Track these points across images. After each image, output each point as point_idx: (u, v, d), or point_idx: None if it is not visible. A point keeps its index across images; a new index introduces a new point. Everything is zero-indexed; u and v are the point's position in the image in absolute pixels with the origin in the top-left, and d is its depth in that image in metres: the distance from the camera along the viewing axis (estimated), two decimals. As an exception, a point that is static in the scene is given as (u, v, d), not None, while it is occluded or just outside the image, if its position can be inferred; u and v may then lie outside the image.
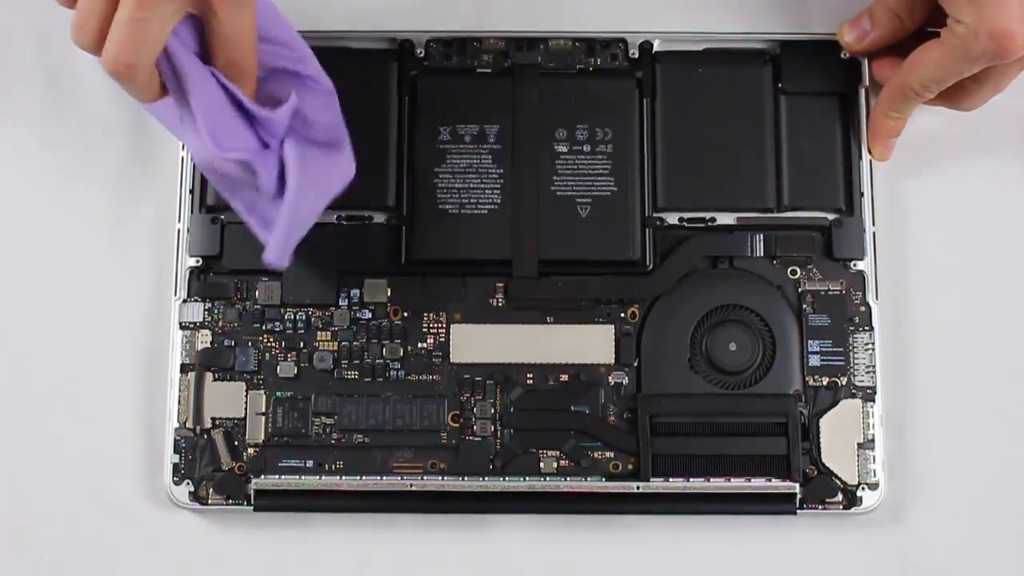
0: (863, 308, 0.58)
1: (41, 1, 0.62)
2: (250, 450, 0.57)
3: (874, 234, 0.58)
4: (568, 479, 0.56)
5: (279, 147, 0.50)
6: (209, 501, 0.56)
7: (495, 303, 0.58)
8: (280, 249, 0.50)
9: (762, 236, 0.58)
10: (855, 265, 0.58)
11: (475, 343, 0.57)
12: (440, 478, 0.56)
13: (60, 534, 0.57)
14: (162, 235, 0.59)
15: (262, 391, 0.57)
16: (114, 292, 0.59)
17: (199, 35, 0.47)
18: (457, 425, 0.57)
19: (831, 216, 0.58)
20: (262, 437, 0.57)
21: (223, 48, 0.47)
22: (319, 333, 0.58)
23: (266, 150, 0.49)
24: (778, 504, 0.56)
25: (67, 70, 0.61)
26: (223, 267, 0.58)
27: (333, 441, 0.57)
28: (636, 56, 0.60)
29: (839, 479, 0.56)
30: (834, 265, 0.58)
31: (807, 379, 0.57)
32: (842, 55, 0.59)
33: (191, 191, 0.58)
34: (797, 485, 0.56)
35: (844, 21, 0.58)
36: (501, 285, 0.58)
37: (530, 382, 0.57)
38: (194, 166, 0.58)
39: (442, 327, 0.58)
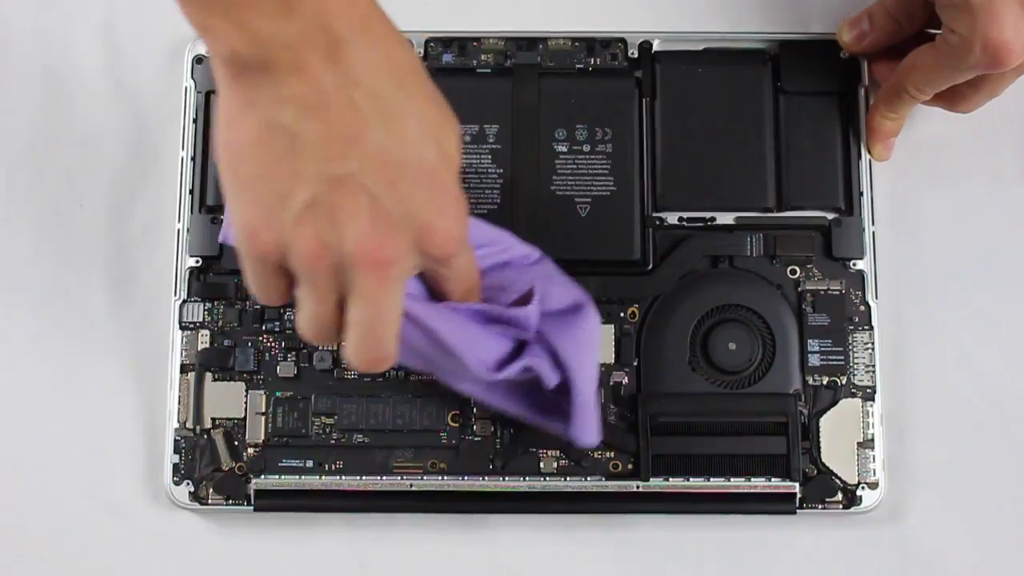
0: (863, 308, 0.58)
1: (41, 1, 0.62)
2: (250, 450, 0.57)
3: (874, 234, 0.58)
4: (568, 479, 0.56)
5: (537, 338, 0.49)
6: (209, 501, 0.56)
7: (495, 303, 0.58)
8: (589, 427, 0.50)
9: (762, 236, 0.58)
10: (855, 265, 0.58)
11: (475, 343, 0.57)
12: (440, 478, 0.56)
13: (60, 534, 0.57)
14: (162, 235, 0.59)
15: (262, 391, 0.57)
16: (114, 292, 0.59)
17: (421, 280, 0.47)
18: (457, 425, 0.57)
19: (831, 216, 0.58)
20: (262, 437, 0.57)
21: (458, 286, 0.47)
22: (319, 333, 0.58)
23: (532, 345, 0.49)
24: (778, 504, 0.56)
25: (67, 70, 0.61)
26: (223, 267, 0.58)
27: (333, 441, 0.57)
28: (636, 56, 0.60)
29: (839, 479, 0.56)
30: (834, 265, 0.58)
31: (807, 379, 0.57)
32: (841, 55, 0.59)
33: (191, 191, 0.59)
34: (797, 485, 0.56)
35: (843, 21, 0.58)
36: (501, 285, 0.58)
37: (530, 382, 0.57)
38: (195, 169, 0.58)
39: (442, 327, 0.58)
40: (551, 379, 0.49)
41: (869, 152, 0.58)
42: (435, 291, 0.47)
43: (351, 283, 0.42)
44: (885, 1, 0.57)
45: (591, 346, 0.50)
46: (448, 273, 0.46)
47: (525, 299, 0.49)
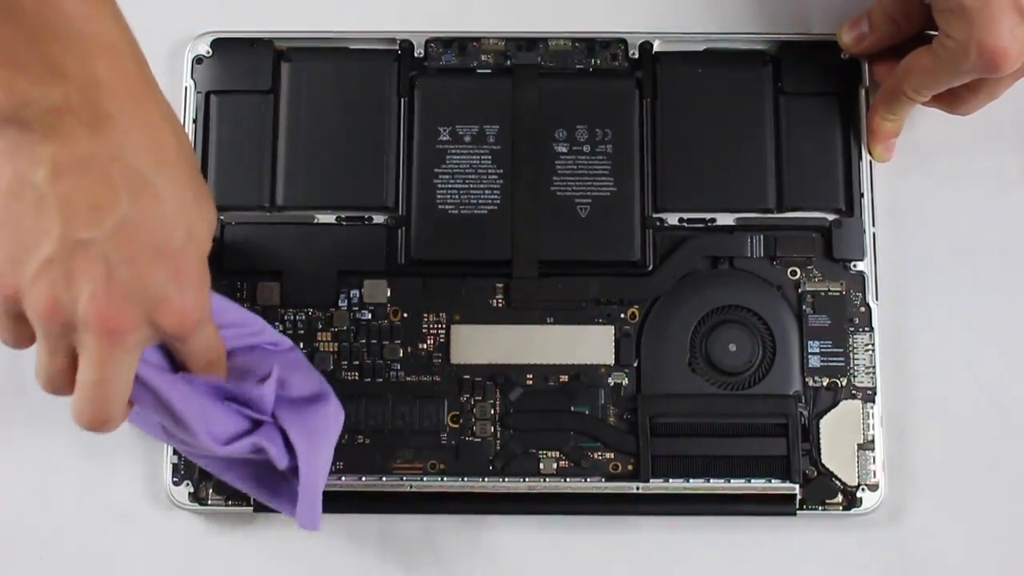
0: (863, 309, 0.58)
1: (41, 1, 0.62)
2: (250, 450, 0.57)
3: (874, 235, 0.58)
4: (568, 479, 0.56)
5: (271, 419, 0.50)
6: (209, 501, 0.56)
7: (495, 303, 0.58)
8: (312, 513, 0.51)
9: (762, 236, 0.58)
10: (855, 266, 0.58)
11: (475, 344, 0.57)
12: (440, 478, 0.56)
13: (60, 534, 0.57)
14: (162, 235, 0.59)
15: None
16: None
17: (162, 349, 0.47)
18: (457, 426, 0.57)
19: (831, 216, 0.58)
20: (262, 437, 0.57)
21: (196, 362, 0.48)
22: (319, 334, 0.58)
23: (265, 425, 0.50)
24: (778, 505, 0.56)
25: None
26: (223, 268, 0.58)
27: (333, 441, 0.57)
28: (636, 56, 0.60)
29: (839, 480, 0.56)
30: (834, 266, 0.58)
31: (807, 380, 0.57)
32: (842, 56, 0.59)
33: (191, 191, 0.58)
34: (797, 486, 0.56)
35: (844, 22, 0.58)
36: (501, 285, 0.58)
37: (530, 383, 0.57)
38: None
39: (442, 327, 0.58)
40: (281, 460, 0.50)
41: (870, 153, 0.58)
42: (176, 362, 0.48)
43: (81, 344, 0.43)
44: (884, 3, 0.57)
45: (327, 434, 0.52)
46: (185, 349, 0.47)
47: (264, 379, 0.50)
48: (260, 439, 0.49)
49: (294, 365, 0.53)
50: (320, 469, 0.51)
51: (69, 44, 0.40)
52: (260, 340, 0.52)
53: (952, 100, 0.57)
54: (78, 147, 0.41)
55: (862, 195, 0.58)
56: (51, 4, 0.40)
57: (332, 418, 0.52)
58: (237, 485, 0.53)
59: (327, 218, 0.58)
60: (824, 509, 0.56)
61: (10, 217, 0.42)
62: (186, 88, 0.59)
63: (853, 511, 0.56)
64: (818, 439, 0.56)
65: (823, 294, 0.58)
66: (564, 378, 0.57)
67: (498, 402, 0.57)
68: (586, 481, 0.56)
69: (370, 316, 0.58)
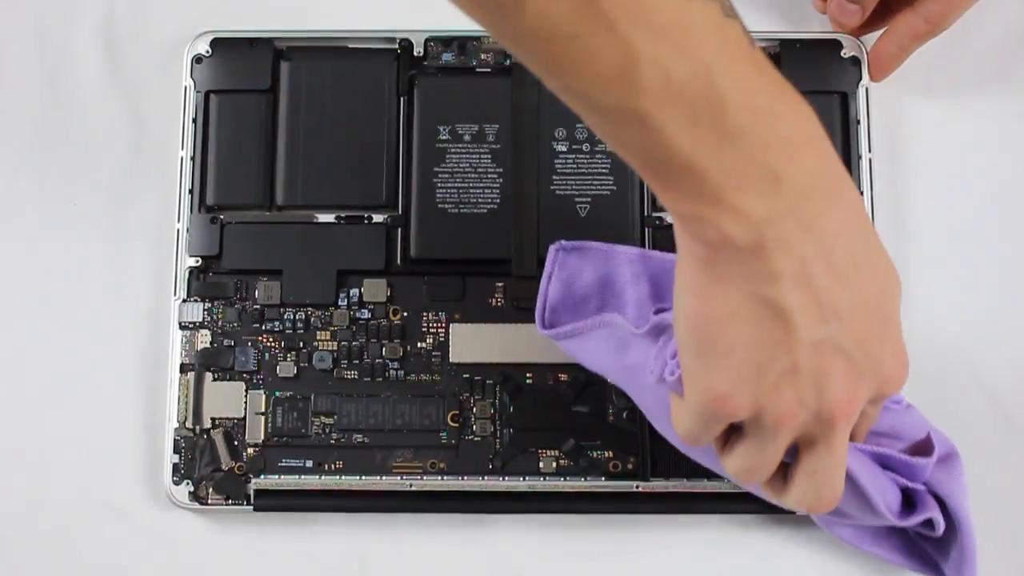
0: (863, 308, 0.58)
1: (41, 1, 0.62)
2: (250, 450, 0.57)
3: (874, 234, 0.58)
4: (568, 479, 0.56)
5: (925, 487, 0.51)
6: (209, 501, 0.56)
7: (495, 303, 0.58)
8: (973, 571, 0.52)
9: (762, 236, 0.58)
10: (855, 265, 0.58)
11: (475, 343, 0.57)
12: (440, 478, 0.56)
13: (60, 534, 0.57)
14: (162, 235, 0.59)
15: (262, 391, 0.57)
16: (114, 292, 0.59)
17: None
18: (457, 425, 0.57)
19: (831, 215, 0.58)
20: (262, 437, 0.57)
21: (869, 424, 0.48)
22: (319, 333, 0.58)
23: (927, 497, 0.51)
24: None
25: (67, 70, 0.61)
26: (223, 267, 0.58)
27: (333, 441, 0.57)
28: (636, 55, 0.60)
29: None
30: (834, 265, 0.58)
31: (807, 379, 0.57)
32: (842, 54, 0.59)
33: (191, 191, 0.59)
34: (797, 485, 0.56)
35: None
36: (501, 285, 0.58)
37: (530, 382, 0.57)
38: (195, 169, 0.58)
39: (442, 327, 0.58)
40: (940, 527, 0.51)
41: (870, 76, 0.59)
42: None
43: (814, 435, 0.43)
44: None
45: (966, 494, 0.52)
46: (873, 411, 0.47)
47: (922, 445, 0.51)
48: (933, 512, 0.50)
49: (925, 424, 0.53)
50: (973, 531, 0.52)
51: (780, 148, 0.39)
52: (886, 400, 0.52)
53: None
54: (802, 251, 0.40)
55: (861, 194, 0.58)
56: (764, 115, 0.38)
57: (964, 475, 0.52)
58: (887, 556, 0.54)
59: (327, 218, 0.58)
60: (824, 508, 0.56)
61: (741, 338, 0.41)
62: (185, 88, 0.59)
63: (853, 510, 0.56)
64: (818, 438, 0.56)
65: (823, 293, 0.58)
66: (564, 377, 0.57)
67: (498, 401, 0.57)
68: (586, 480, 0.56)
69: (370, 315, 0.58)
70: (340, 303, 0.58)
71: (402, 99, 0.59)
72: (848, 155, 0.59)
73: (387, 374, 0.57)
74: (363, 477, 0.56)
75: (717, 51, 0.38)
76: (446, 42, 0.60)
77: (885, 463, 0.50)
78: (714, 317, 0.41)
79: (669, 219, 0.58)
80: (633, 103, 0.37)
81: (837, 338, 0.41)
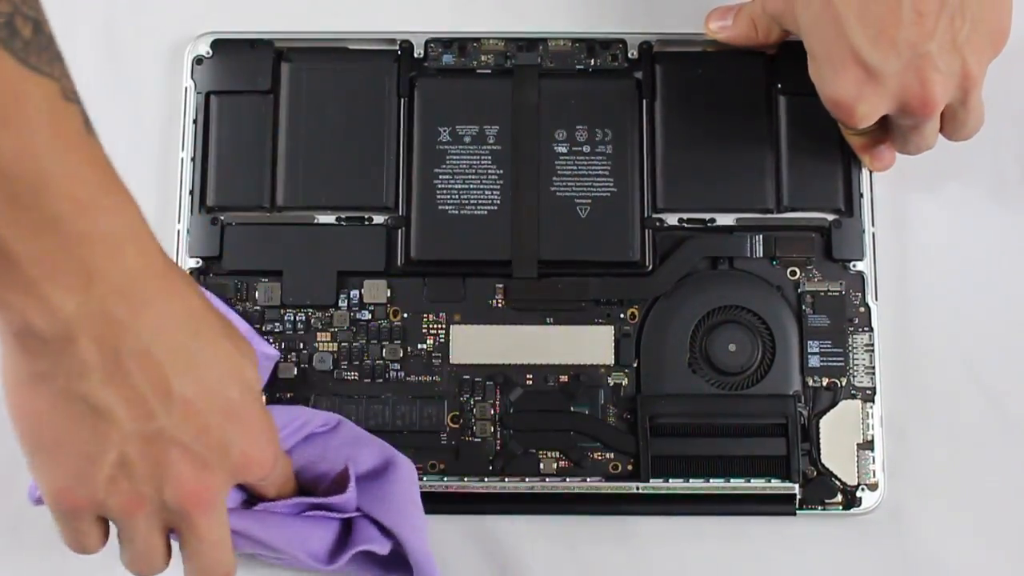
0: (862, 309, 0.58)
1: (41, 1, 0.62)
2: (250, 451, 0.57)
3: (874, 235, 0.58)
4: (568, 479, 0.56)
5: (357, 511, 0.52)
6: (209, 502, 0.56)
7: (495, 304, 0.58)
8: (432, 571, 0.53)
9: (762, 237, 0.58)
10: (854, 266, 0.58)
11: (475, 344, 0.57)
12: (440, 479, 0.57)
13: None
14: (162, 236, 0.58)
15: (262, 391, 0.57)
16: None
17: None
18: (457, 426, 0.57)
19: (830, 217, 0.58)
20: (262, 438, 0.57)
21: (274, 490, 0.49)
22: (319, 334, 0.58)
23: (360, 525, 0.51)
24: (778, 505, 0.56)
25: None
26: (223, 268, 0.58)
27: (333, 442, 0.57)
28: (636, 56, 0.60)
29: (839, 480, 0.56)
30: (833, 266, 0.58)
31: (807, 380, 0.57)
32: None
33: (191, 191, 0.59)
34: (797, 486, 0.56)
35: (715, 8, 0.59)
36: (501, 286, 0.58)
37: (530, 383, 0.57)
38: (195, 169, 0.59)
39: (442, 328, 0.58)
40: (384, 548, 0.51)
41: (868, 166, 0.58)
42: (251, 493, 0.50)
43: (179, 523, 0.44)
44: (754, 7, 0.57)
45: (410, 499, 0.52)
46: (266, 485, 0.48)
47: (341, 478, 0.51)
48: (359, 546, 0.51)
49: (354, 440, 0.53)
50: (420, 531, 0.52)
51: (100, 243, 0.39)
52: (311, 428, 0.52)
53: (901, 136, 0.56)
54: (119, 345, 0.40)
55: (861, 195, 0.58)
56: (87, 207, 0.38)
57: (407, 479, 0.53)
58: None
59: (327, 218, 0.58)
60: (824, 509, 0.56)
61: (63, 434, 0.41)
62: (186, 88, 0.59)
63: (853, 511, 0.56)
64: (818, 439, 0.56)
65: (823, 294, 0.58)
66: (564, 378, 0.57)
67: (498, 402, 0.57)
68: (586, 481, 0.56)
69: (370, 316, 0.58)
70: (340, 304, 0.58)
71: (402, 100, 0.59)
72: (848, 155, 0.59)
73: (387, 375, 0.57)
74: (363, 478, 0.57)
75: (49, 133, 0.37)
76: (446, 43, 0.60)
77: (309, 506, 0.50)
78: (35, 413, 0.41)
79: (670, 220, 0.58)
80: None
81: (169, 430, 0.41)
